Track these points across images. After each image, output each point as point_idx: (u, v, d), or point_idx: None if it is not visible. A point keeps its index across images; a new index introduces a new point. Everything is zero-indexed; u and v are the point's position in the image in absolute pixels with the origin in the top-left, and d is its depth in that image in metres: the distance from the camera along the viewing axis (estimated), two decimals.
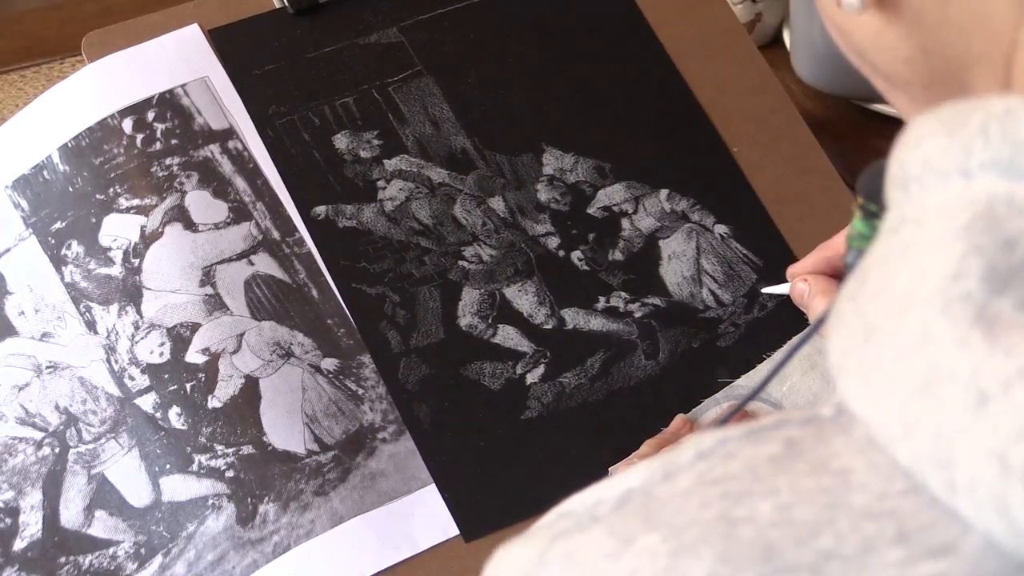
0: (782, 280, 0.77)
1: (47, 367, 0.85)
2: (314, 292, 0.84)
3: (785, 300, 0.85)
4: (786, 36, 1.19)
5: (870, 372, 0.32)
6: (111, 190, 0.88)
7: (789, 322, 0.82)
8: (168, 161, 0.88)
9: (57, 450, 0.82)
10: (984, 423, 0.29)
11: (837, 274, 0.73)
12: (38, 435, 0.83)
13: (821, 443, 0.33)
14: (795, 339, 0.79)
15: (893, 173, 0.35)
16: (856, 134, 1.11)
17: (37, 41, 1.39)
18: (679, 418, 0.79)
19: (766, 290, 0.79)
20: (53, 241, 0.87)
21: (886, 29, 0.38)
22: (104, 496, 0.80)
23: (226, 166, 0.88)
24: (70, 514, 0.81)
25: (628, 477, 0.36)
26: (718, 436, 0.35)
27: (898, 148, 0.35)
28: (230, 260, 0.85)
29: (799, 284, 0.73)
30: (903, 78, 0.40)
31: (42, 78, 1.38)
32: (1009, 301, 0.30)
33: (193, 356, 0.82)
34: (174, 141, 0.89)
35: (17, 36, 1.41)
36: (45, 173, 0.89)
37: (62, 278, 0.86)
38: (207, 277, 0.85)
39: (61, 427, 0.83)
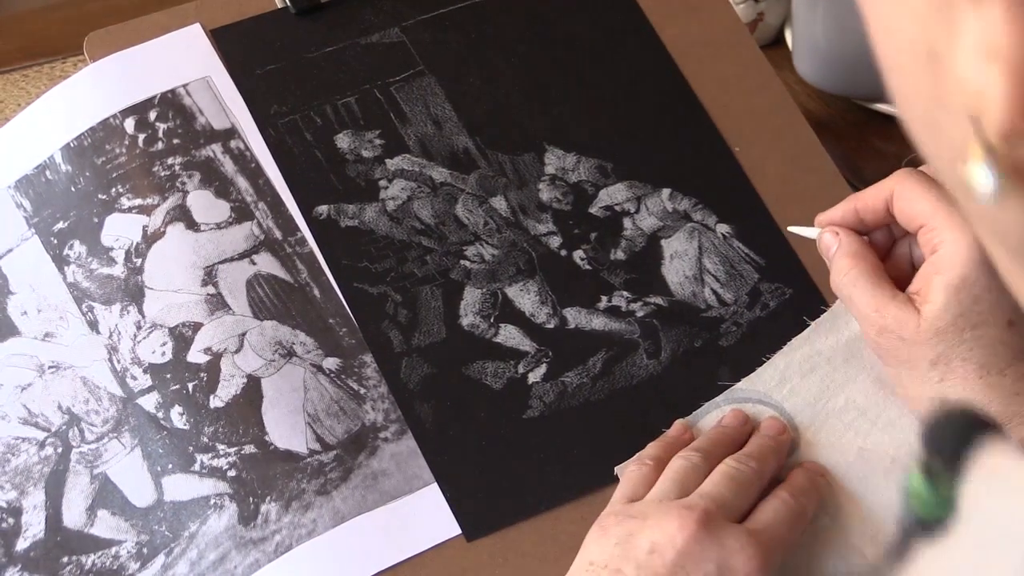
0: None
1: (49, 367, 0.85)
2: (316, 291, 0.84)
3: (787, 299, 0.85)
4: (788, 36, 1.19)
5: None
6: (113, 190, 0.88)
7: (791, 321, 0.82)
8: (170, 161, 0.88)
9: (60, 450, 0.82)
10: None
11: (865, 229, 0.73)
12: (41, 435, 0.83)
13: None
14: (794, 340, 0.79)
15: (971, 502, 0.31)
16: (858, 134, 1.11)
17: (39, 40, 1.39)
18: (679, 424, 0.79)
19: (793, 229, 0.79)
20: (55, 241, 0.87)
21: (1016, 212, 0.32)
22: (106, 496, 0.80)
23: (228, 166, 0.88)
24: (73, 514, 0.81)
25: None
26: None
27: (978, 475, 0.31)
28: (232, 260, 0.85)
29: (827, 236, 0.73)
30: None
31: (44, 77, 1.38)
32: None
33: (195, 356, 0.82)
34: (176, 141, 0.89)
35: (19, 35, 1.41)
36: (47, 173, 0.89)
37: (64, 278, 0.86)
38: (209, 277, 0.85)
39: (64, 427, 0.83)
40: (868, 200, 0.72)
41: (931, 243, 0.68)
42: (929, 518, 0.32)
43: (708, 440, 0.76)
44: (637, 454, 0.77)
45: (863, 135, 1.10)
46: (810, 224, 0.76)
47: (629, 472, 0.75)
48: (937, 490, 0.32)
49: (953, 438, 0.32)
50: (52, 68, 1.38)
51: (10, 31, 1.42)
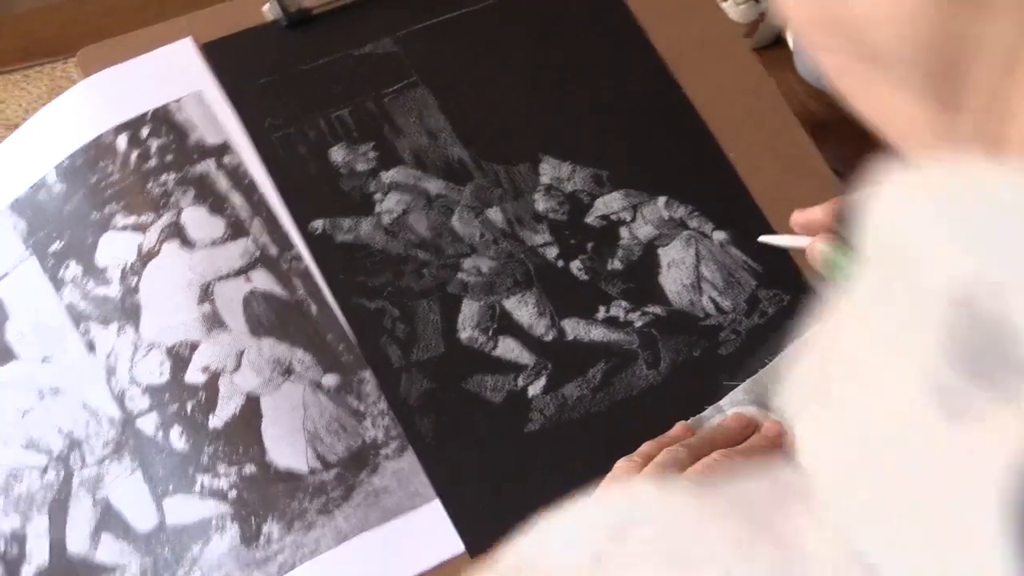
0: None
1: (49, 391, 0.84)
2: (313, 308, 0.84)
3: (785, 306, 0.85)
4: (789, 36, 1.18)
5: (823, 435, 0.31)
6: (107, 208, 0.87)
7: (790, 328, 0.82)
8: (164, 177, 0.88)
9: (62, 475, 0.82)
10: (934, 509, 0.28)
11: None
12: (43, 461, 0.82)
13: (784, 516, 0.32)
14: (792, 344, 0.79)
15: (872, 229, 0.33)
16: (860, 134, 1.10)
17: (39, 41, 1.39)
18: (680, 425, 0.79)
19: (765, 239, 0.79)
20: (52, 262, 0.87)
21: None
22: (109, 520, 0.80)
23: (222, 181, 0.88)
24: (76, 539, 0.80)
25: (587, 531, 0.35)
26: (672, 497, 0.34)
27: (878, 202, 0.33)
28: (228, 277, 0.85)
29: (821, 246, 0.71)
30: (891, 49, 0.36)
31: (44, 78, 1.38)
32: (976, 384, 0.29)
33: (193, 375, 0.82)
34: (169, 157, 0.88)
35: (19, 36, 1.40)
36: (42, 193, 0.89)
37: (61, 299, 0.86)
38: (205, 295, 0.84)
39: (65, 451, 0.82)
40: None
41: None
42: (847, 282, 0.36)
43: (701, 439, 0.75)
44: (632, 454, 0.77)
45: (864, 135, 1.09)
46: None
47: (616, 466, 0.75)
48: (851, 257, 0.34)
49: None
50: (52, 68, 1.38)
51: (10, 31, 1.42)
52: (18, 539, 0.81)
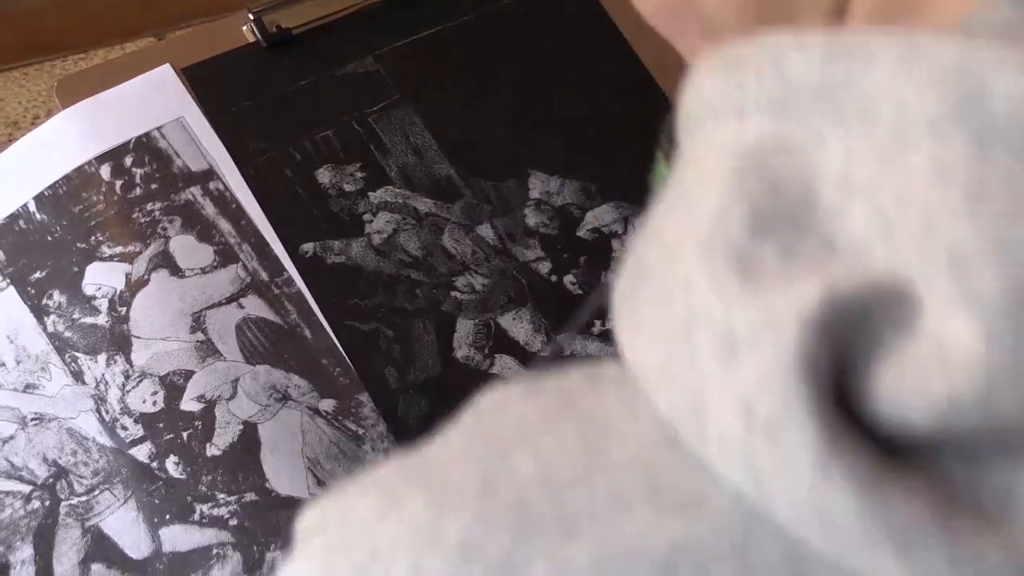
0: None
1: (32, 419, 0.83)
2: (307, 332, 0.83)
3: None
4: None
5: (639, 318, 0.32)
6: (92, 238, 0.86)
7: None
8: (149, 207, 0.87)
9: (48, 503, 0.81)
10: (733, 372, 0.28)
11: None
12: (26, 488, 0.81)
13: (595, 395, 0.33)
14: None
15: (681, 117, 0.34)
16: None
17: (40, 38, 1.38)
18: None
19: None
20: (33, 291, 0.86)
21: None
22: (100, 549, 0.79)
23: (209, 208, 0.87)
24: (64, 568, 0.79)
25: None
26: (496, 395, 0.35)
27: (684, 91, 0.34)
28: (219, 304, 0.84)
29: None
30: (729, 24, 0.38)
31: (44, 75, 1.37)
32: (771, 246, 0.29)
33: (188, 404, 0.81)
34: (154, 186, 0.87)
35: (19, 33, 1.40)
36: (20, 222, 0.88)
37: (44, 328, 0.85)
38: (197, 323, 0.83)
39: (51, 479, 0.81)
40: None
41: None
42: None
43: None
44: None
45: None
46: None
47: None
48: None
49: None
50: (52, 66, 1.37)
51: (10, 28, 1.41)
52: (1, 568, 0.79)
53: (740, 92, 0.32)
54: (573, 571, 0.29)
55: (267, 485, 0.79)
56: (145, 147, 0.89)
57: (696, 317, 0.30)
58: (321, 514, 0.34)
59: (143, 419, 0.81)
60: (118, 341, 0.83)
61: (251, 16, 0.93)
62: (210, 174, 0.88)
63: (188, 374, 0.82)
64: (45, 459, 0.82)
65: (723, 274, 0.29)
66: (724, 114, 0.32)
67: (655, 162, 0.38)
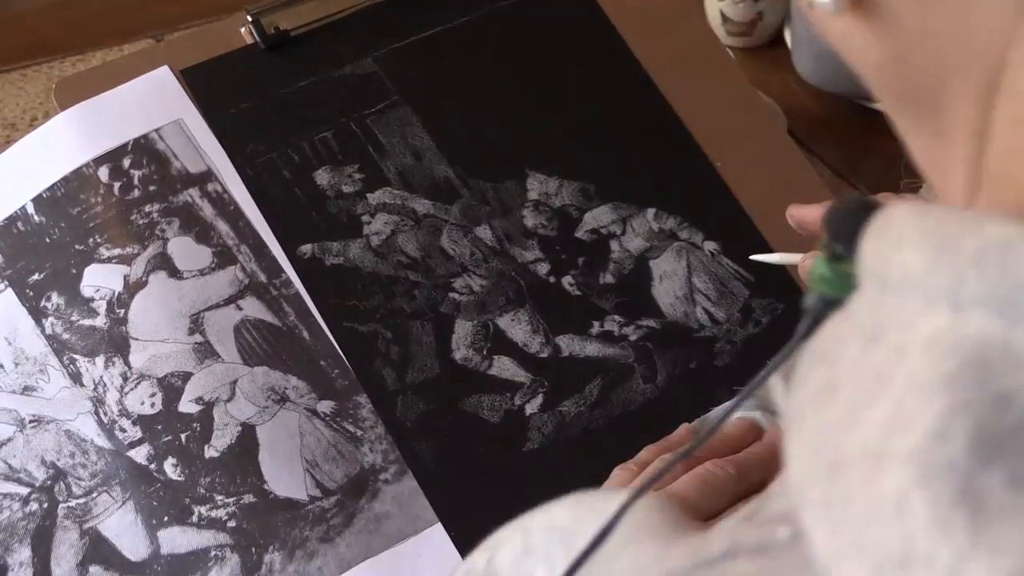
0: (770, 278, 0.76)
1: (30, 421, 0.83)
2: (305, 333, 0.83)
3: (779, 314, 0.85)
4: (787, 35, 1.18)
5: (837, 519, 0.29)
6: (91, 240, 0.86)
7: (786, 336, 0.82)
8: (148, 208, 0.87)
9: (45, 505, 0.81)
10: None
11: None
12: (24, 490, 0.81)
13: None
14: (785, 348, 0.79)
15: (869, 263, 0.32)
16: (858, 134, 1.11)
17: (38, 40, 1.38)
18: (683, 427, 0.78)
19: (757, 257, 0.79)
20: (31, 293, 0.86)
21: (859, 30, 0.35)
22: (99, 551, 0.79)
23: (207, 210, 0.87)
24: (62, 571, 0.79)
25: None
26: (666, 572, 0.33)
27: (875, 233, 0.32)
28: (217, 306, 0.84)
29: (809, 262, 0.71)
30: (874, 85, 0.37)
31: (43, 77, 1.37)
32: (998, 476, 0.26)
33: (186, 406, 0.81)
34: (152, 187, 0.87)
35: (18, 34, 1.40)
36: (19, 224, 0.88)
37: (42, 330, 0.85)
38: (195, 325, 0.83)
39: (48, 482, 0.81)
40: None
41: None
42: (833, 297, 0.35)
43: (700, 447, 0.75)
44: (629, 461, 0.76)
45: (863, 135, 1.10)
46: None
47: (613, 473, 0.74)
48: (839, 273, 0.35)
49: (852, 221, 0.34)
50: (51, 67, 1.37)
51: (9, 30, 1.41)
52: (0, 570, 0.79)
53: (956, 282, 0.29)
54: None
55: (265, 487, 0.78)
56: (143, 149, 0.89)
57: (915, 553, 0.27)
58: None
59: (141, 421, 0.81)
60: (116, 343, 0.83)
61: (249, 18, 0.93)
62: (208, 175, 0.88)
63: (186, 376, 0.82)
64: (43, 461, 0.82)
65: (946, 507, 0.26)
66: (934, 299, 0.29)
67: (817, 262, 0.36)
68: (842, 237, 0.34)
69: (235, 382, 0.82)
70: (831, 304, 0.34)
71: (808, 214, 0.73)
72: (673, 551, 0.33)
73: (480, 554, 0.44)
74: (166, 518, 0.79)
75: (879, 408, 0.28)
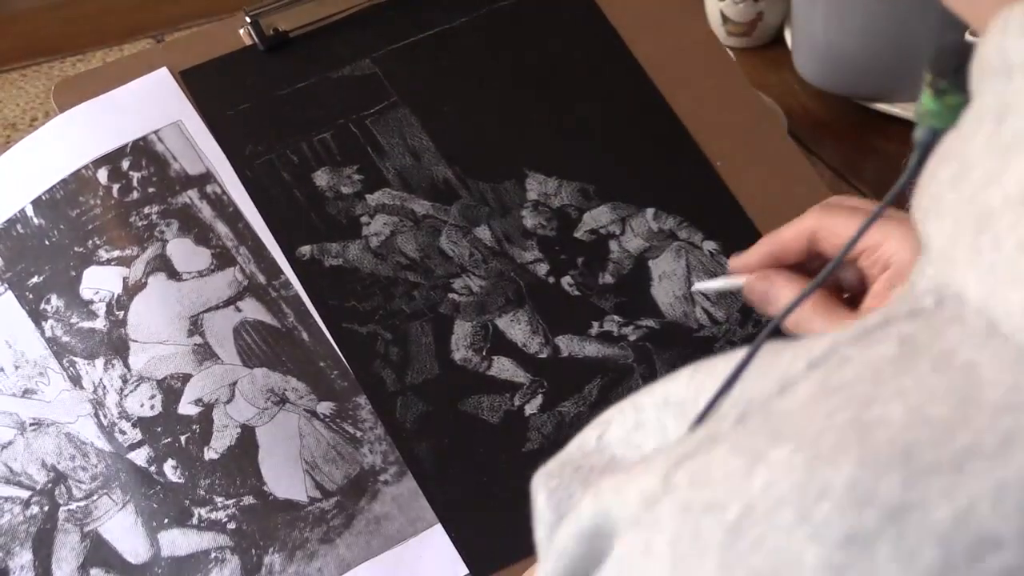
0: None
1: (31, 424, 0.83)
2: (304, 335, 0.83)
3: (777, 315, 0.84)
4: (787, 35, 1.18)
5: (990, 262, 0.33)
6: (90, 242, 0.86)
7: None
8: (147, 210, 0.87)
9: (46, 508, 0.81)
10: None
11: (783, 266, 0.71)
12: (25, 494, 0.81)
13: (937, 337, 0.33)
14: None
15: (987, 57, 0.36)
16: (858, 134, 1.11)
17: (37, 40, 1.38)
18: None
19: (699, 286, 0.78)
20: (31, 296, 0.86)
21: None
22: (99, 554, 0.79)
23: (206, 211, 0.87)
24: (63, 574, 0.79)
25: (741, 391, 0.37)
26: (826, 342, 0.35)
27: (993, 33, 0.35)
28: (217, 308, 0.84)
29: (758, 283, 0.71)
30: None
31: (42, 77, 1.38)
32: None
33: (186, 408, 0.81)
34: (151, 189, 0.87)
35: (17, 35, 1.40)
36: (18, 227, 0.88)
37: (42, 333, 0.85)
38: (195, 327, 0.83)
39: (49, 485, 0.81)
40: (786, 241, 0.70)
41: (880, 261, 0.66)
42: (940, 128, 0.39)
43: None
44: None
45: (863, 135, 1.10)
46: None
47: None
48: (947, 105, 0.40)
49: (954, 58, 0.39)
50: (50, 68, 1.38)
51: (8, 30, 1.41)
52: (1, 573, 0.79)
53: None
54: (978, 506, 0.29)
55: (265, 488, 0.78)
56: (142, 151, 0.89)
57: None
58: (661, 482, 0.34)
59: (141, 423, 0.81)
60: (116, 345, 0.83)
61: (248, 19, 0.93)
62: (207, 177, 0.88)
63: (186, 377, 0.82)
64: (44, 464, 0.82)
65: None
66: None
67: (922, 95, 0.43)
68: (946, 73, 0.39)
69: (234, 384, 0.82)
70: (938, 134, 0.39)
71: (748, 259, 0.72)
72: (833, 329, 0.36)
73: (592, 430, 0.46)
74: (166, 520, 0.79)
75: (1017, 166, 0.33)
